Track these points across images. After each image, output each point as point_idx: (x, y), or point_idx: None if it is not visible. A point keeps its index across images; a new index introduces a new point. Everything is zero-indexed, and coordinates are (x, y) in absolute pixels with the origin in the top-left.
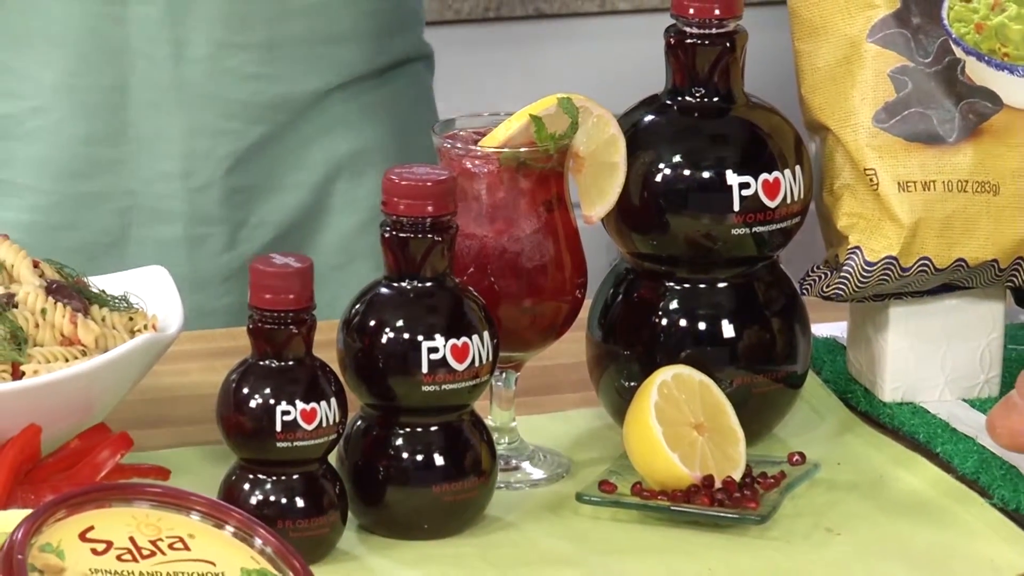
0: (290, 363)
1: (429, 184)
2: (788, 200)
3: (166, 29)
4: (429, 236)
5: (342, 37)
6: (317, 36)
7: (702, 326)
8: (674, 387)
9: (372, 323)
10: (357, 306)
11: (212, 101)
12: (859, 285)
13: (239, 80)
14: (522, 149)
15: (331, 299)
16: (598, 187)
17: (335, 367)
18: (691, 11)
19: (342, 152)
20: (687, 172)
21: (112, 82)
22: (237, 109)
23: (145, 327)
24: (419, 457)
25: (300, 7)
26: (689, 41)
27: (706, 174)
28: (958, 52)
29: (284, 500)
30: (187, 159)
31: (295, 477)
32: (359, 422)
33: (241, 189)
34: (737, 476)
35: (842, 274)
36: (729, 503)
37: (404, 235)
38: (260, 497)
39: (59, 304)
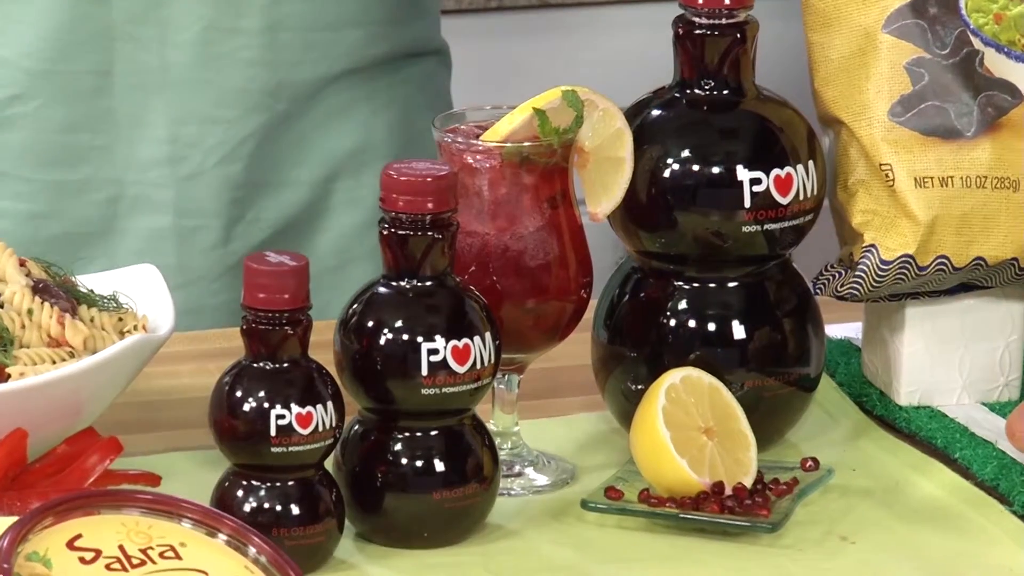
0: (285, 365)
1: (429, 180)
2: (801, 196)
3: (152, 10)
4: (429, 234)
5: (346, 22)
6: (319, 21)
7: (712, 327)
8: (683, 390)
9: (370, 324)
10: (355, 306)
11: (202, 87)
12: (874, 284)
13: (233, 66)
14: (525, 144)
15: (327, 302)
16: (604, 183)
17: (332, 369)
18: (700, 0)
19: (344, 148)
20: (696, 167)
21: (95, 66)
22: (231, 96)
23: (135, 328)
24: (419, 463)
25: None
26: (698, 32)
27: (716, 169)
28: (976, 43)
29: (279, 507)
30: (173, 146)
31: (290, 483)
32: (356, 426)
33: (235, 182)
34: (748, 482)
35: (857, 273)
36: (740, 510)
37: (403, 233)
38: (254, 504)
39: (46, 304)
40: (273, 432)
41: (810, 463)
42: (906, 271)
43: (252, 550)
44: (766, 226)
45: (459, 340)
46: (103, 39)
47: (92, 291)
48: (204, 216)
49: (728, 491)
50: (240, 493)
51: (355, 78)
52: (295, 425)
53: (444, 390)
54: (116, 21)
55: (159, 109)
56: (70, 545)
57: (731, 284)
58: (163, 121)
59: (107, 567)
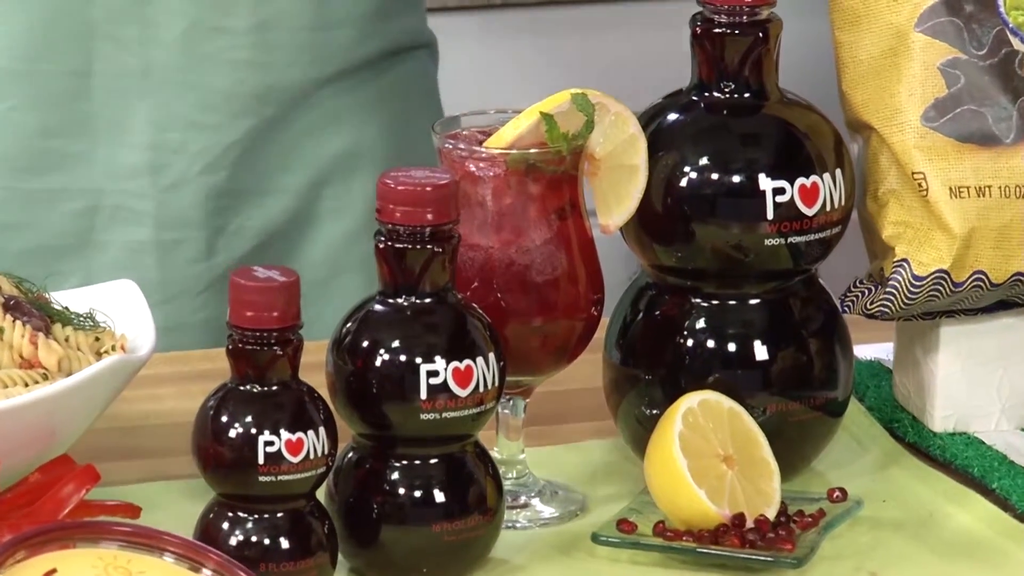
0: (274, 388)
1: (428, 189)
2: (827, 207)
3: (134, 7)
4: (428, 247)
5: (336, 21)
6: (310, 19)
7: (732, 347)
8: (701, 415)
9: (365, 343)
10: (349, 324)
11: (186, 89)
12: (906, 302)
13: (220, 67)
14: (532, 150)
15: (316, 316)
16: (616, 193)
17: (324, 392)
18: None
19: (333, 151)
20: (715, 176)
21: (73, 67)
22: (217, 100)
23: (113, 348)
24: (417, 493)
25: None
26: (717, 30)
27: (736, 178)
28: (1015, 43)
29: (267, 540)
30: (155, 153)
31: (279, 515)
32: (351, 454)
33: (219, 190)
34: (771, 514)
35: (887, 290)
36: (762, 544)
37: (401, 246)
38: (241, 537)
39: (18, 323)
40: (261, 460)
41: (837, 494)
42: (940, 287)
43: None
44: (790, 239)
45: (461, 361)
46: (82, 38)
47: (67, 308)
48: (186, 227)
49: (750, 523)
50: (226, 525)
51: (347, 79)
52: (285, 452)
53: (445, 415)
54: (96, 19)
55: (140, 113)
56: None
57: (753, 301)
58: (145, 126)
59: None
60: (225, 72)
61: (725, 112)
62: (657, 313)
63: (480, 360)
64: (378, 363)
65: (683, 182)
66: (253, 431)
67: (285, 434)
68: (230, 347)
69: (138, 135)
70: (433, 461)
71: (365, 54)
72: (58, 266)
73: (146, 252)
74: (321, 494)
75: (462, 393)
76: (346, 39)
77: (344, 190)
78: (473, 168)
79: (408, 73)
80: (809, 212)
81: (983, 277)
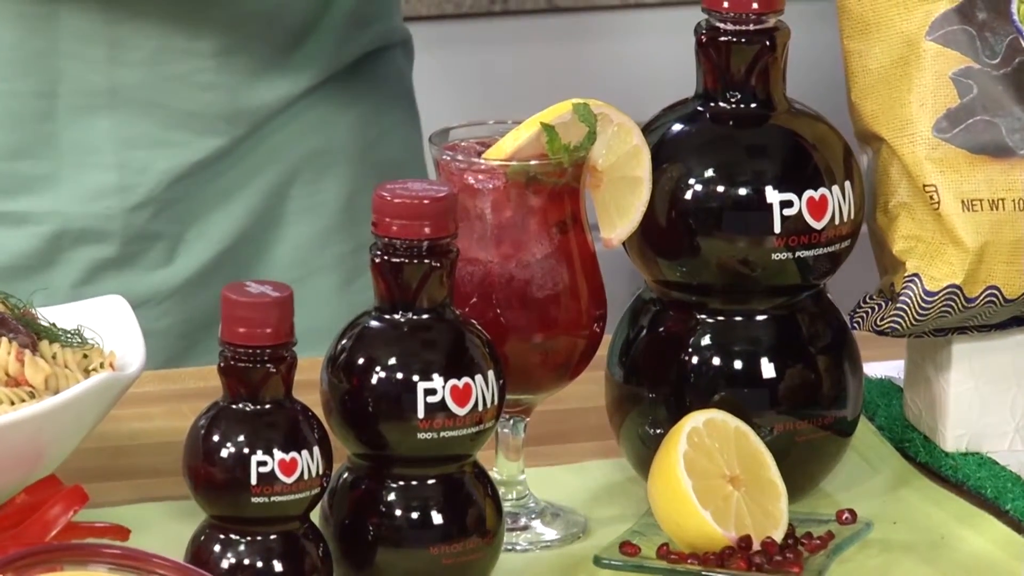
0: (267, 406)
1: (426, 202)
2: (836, 221)
3: (101, 28)
4: (426, 261)
5: (306, 36)
6: (281, 38)
7: (738, 365)
8: (706, 434)
9: (361, 361)
10: (344, 341)
11: (152, 110)
12: (918, 318)
13: (187, 89)
14: (532, 162)
15: None
16: (619, 206)
17: (318, 411)
18: (725, 4)
19: (301, 151)
20: (721, 188)
21: (38, 88)
22: (182, 119)
23: (101, 365)
24: (414, 514)
25: (257, 7)
26: (723, 39)
27: (743, 191)
28: None
29: (260, 563)
30: (122, 173)
31: (273, 537)
32: (346, 474)
33: (183, 203)
34: (778, 537)
35: (898, 305)
36: (769, 567)
37: (397, 260)
38: (233, 560)
39: (4, 339)
40: (254, 480)
41: (847, 515)
42: (953, 303)
43: None
44: (798, 253)
45: (459, 379)
46: (48, 58)
47: (54, 325)
48: (148, 240)
49: (756, 546)
50: (217, 548)
51: (318, 93)
52: (278, 473)
53: (442, 434)
54: (63, 39)
55: (106, 133)
56: None
57: (759, 317)
58: (111, 146)
59: None
60: (192, 94)
61: (731, 123)
62: (661, 329)
63: (479, 378)
64: (374, 381)
65: (688, 195)
66: (246, 451)
67: (279, 454)
68: (222, 365)
69: (104, 155)
70: (431, 482)
71: (336, 65)
72: (20, 284)
73: (108, 267)
74: (315, 516)
75: (460, 412)
76: (316, 52)
77: (313, 189)
78: (472, 180)
79: (380, 71)
80: (817, 226)
81: (996, 292)
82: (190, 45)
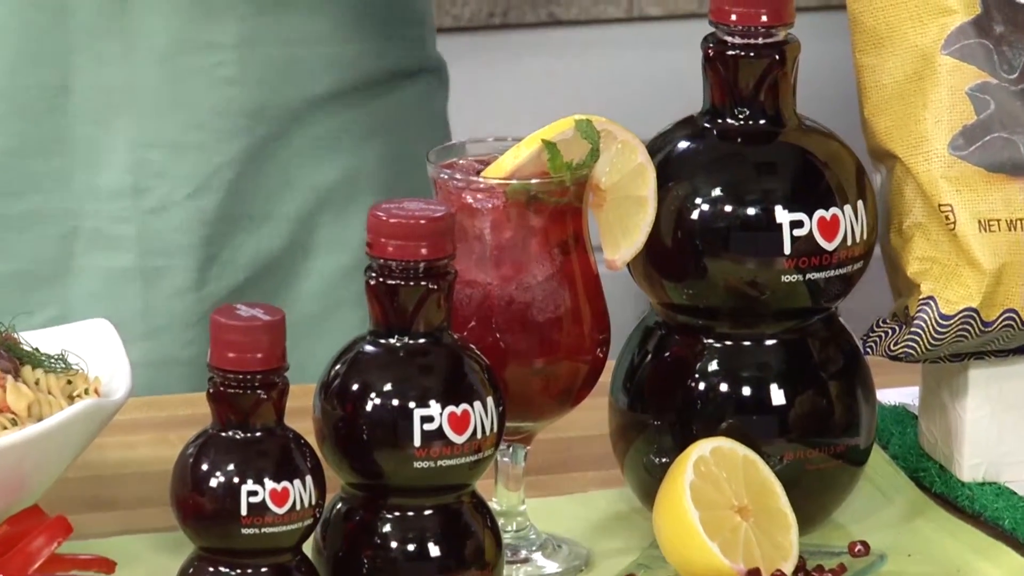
0: (258, 434)
1: (423, 222)
2: (848, 241)
3: (116, 19)
4: (423, 283)
5: (333, 37)
6: (302, 34)
7: (746, 391)
8: (713, 463)
9: (355, 387)
10: (337, 366)
11: (172, 108)
12: (933, 342)
13: (207, 84)
14: (533, 181)
15: (309, 354)
16: (623, 226)
17: (311, 439)
18: (733, 17)
19: (330, 179)
20: (729, 208)
21: (50, 83)
22: (204, 119)
23: (86, 391)
24: (411, 546)
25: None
26: (731, 52)
27: (751, 210)
28: None
29: None
30: (137, 174)
31: (264, 569)
32: (339, 504)
33: (208, 216)
34: (788, 569)
35: (913, 329)
36: None
37: (393, 282)
38: None
39: None
40: (244, 511)
41: (859, 547)
42: (969, 327)
43: None
44: (809, 275)
45: (457, 406)
46: (60, 52)
47: (37, 350)
48: (172, 255)
49: None
50: None
51: (344, 100)
52: (269, 503)
53: (440, 463)
54: (75, 32)
55: (121, 132)
56: None
57: (769, 342)
58: (125, 146)
59: None
60: (213, 89)
61: (739, 140)
62: (667, 354)
63: (478, 404)
64: (369, 408)
65: (694, 214)
66: (235, 480)
67: (270, 483)
68: (211, 390)
69: (118, 155)
70: (427, 512)
71: (364, 75)
72: (34, 295)
73: (128, 280)
74: (308, 548)
75: (458, 440)
76: (342, 57)
77: (341, 220)
78: (470, 199)
79: (410, 98)
80: (829, 247)
81: (1015, 316)
82: (210, 36)
